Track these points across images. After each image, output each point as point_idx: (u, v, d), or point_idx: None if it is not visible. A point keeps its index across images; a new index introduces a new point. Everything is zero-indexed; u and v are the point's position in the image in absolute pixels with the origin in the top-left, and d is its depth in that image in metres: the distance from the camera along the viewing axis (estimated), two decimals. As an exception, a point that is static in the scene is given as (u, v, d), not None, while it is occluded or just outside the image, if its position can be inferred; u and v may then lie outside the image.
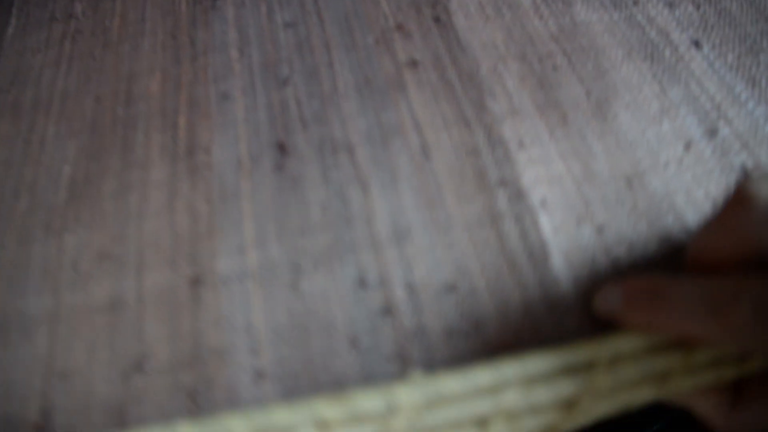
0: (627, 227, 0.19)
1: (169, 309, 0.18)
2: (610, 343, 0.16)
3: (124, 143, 0.22)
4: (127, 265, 0.19)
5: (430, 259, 0.18)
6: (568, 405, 0.16)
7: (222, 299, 0.18)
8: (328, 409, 0.15)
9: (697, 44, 0.24)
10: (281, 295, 0.18)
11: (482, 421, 0.15)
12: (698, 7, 0.25)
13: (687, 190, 0.20)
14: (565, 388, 0.15)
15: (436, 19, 0.25)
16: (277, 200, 0.20)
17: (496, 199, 0.20)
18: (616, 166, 0.20)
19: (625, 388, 0.16)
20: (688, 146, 0.21)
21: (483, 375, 0.15)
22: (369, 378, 0.16)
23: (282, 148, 0.21)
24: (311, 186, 0.20)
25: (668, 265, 0.18)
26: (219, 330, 0.18)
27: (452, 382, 0.15)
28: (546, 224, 0.19)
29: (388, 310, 0.18)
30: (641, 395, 0.16)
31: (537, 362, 0.15)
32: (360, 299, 0.18)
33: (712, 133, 0.21)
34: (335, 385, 0.16)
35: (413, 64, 0.23)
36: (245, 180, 0.21)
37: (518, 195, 0.20)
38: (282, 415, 0.15)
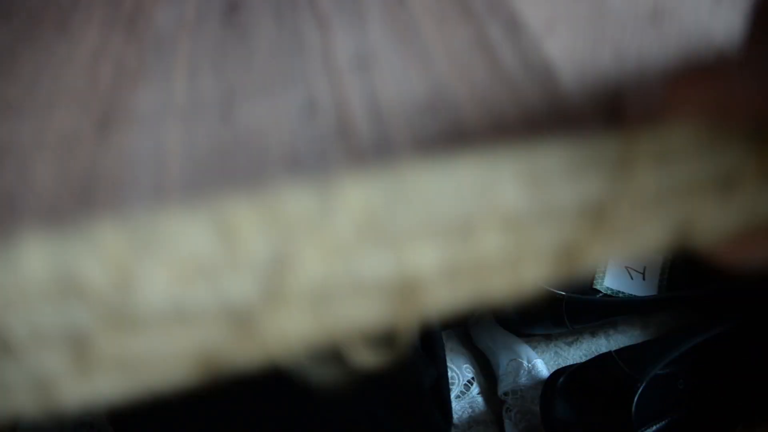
0: (657, 60, 0.15)
1: (69, 150, 0.14)
2: (653, 132, 0.11)
3: (62, 24, 0.19)
4: (32, 112, 0.15)
5: (401, 83, 0.14)
6: (598, 213, 0.11)
7: (133, 135, 0.14)
8: (233, 207, 0.10)
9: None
10: (207, 126, 0.14)
11: (467, 228, 0.10)
12: None
13: (726, 29, 0.16)
14: (590, 186, 0.11)
15: None
16: (219, 46, 0.16)
17: (488, 29, 0.16)
18: (634, 4, 0.17)
19: (677, 195, 0.11)
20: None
21: (467, 165, 0.10)
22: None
23: (233, 6, 0.18)
24: (261, 33, 0.17)
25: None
26: (121, 165, 0.13)
27: (421, 173, 0.10)
28: (552, 49, 0.15)
29: (343, 133, 0.13)
30: (701, 208, 0.11)
31: (549, 152, 0.11)
32: (307, 125, 0.13)
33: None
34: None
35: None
36: (186, 35, 0.17)
37: (514, 24, 0.16)
38: (170, 218, 0.10)
